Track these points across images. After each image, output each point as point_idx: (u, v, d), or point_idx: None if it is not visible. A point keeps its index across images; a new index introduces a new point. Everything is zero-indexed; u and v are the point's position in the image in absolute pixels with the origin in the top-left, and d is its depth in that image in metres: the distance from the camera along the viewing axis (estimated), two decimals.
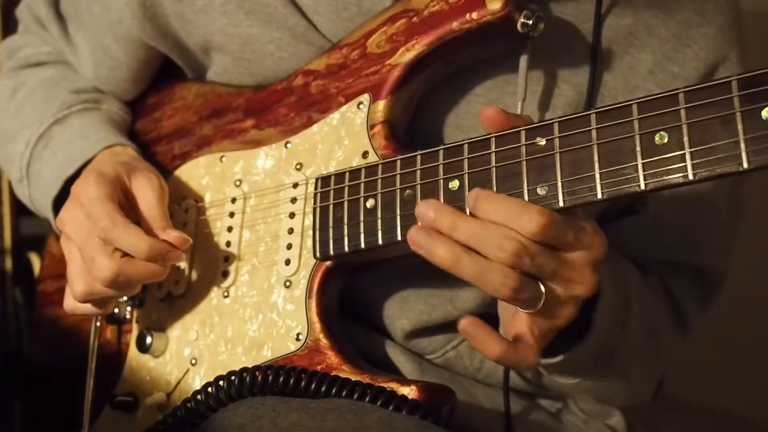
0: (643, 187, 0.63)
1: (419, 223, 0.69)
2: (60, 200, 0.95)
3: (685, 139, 0.62)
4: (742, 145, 0.59)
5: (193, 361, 0.88)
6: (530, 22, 0.76)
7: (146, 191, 0.87)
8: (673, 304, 0.94)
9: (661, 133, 0.63)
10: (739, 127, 0.59)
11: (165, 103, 1.02)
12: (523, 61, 0.78)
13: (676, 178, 0.62)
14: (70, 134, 0.97)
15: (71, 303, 0.88)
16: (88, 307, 0.87)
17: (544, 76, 0.82)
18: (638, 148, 0.64)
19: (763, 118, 0.58)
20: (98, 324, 0.93)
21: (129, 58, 0.97)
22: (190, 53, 0.95)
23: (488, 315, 0.73)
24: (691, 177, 0.61)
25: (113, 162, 0.90)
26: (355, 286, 0.85)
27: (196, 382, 0.87)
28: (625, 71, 0.82)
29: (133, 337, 0.94)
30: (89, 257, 0.83)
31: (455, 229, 0.67)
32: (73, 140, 0.96)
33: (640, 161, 0.63)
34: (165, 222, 0.85)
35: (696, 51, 0.83)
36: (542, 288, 0.68)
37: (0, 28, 1.31)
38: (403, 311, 0.86)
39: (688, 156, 0.62)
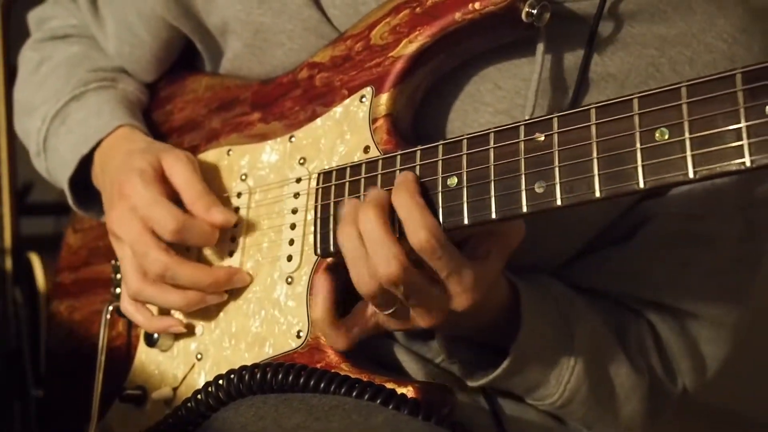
0: (642, 185, 0.61)
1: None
2: (76, 178, 0.98)
3: (687, 135, 0.59)
4: (745, 143, 0.56)
5: (199, 356, 0.88)
6: (535, 11, 0.74)
7: (178, 168, 0.87)
8: (662, 354, 0.89)
9: (662, 129, 0.60)
10: (743, 123, 0.56)
11: (177, 96, 1.02)
12: (539, 54, 0.77)
13: (676, 176, 0.59)
14: (86, 112, 0.99)
15: (126, 305, 0.90)
16: (139, 319, 0.89)
17: (554, 88, 0.80)
18: (638, 145, 0.61)
19: None
20: (108, 317, 0.94)
21: (152, 36, 0.97)
22: (210, 35, 0.95)
23: None
24: (691, 175, 0.59)
25: (134, 151, 0.91)
26: None
27: (202, 377, 0.87)
28: None
29: (142, 331, 0.94)
30: (142, 252, 0.84)
31: (363, 220, 0.70)
32: (89, 118, 0.98)
33: (639, 159, 0.61)
34: (208, 197, 0.86)
35: None
36: (397, 304, 0.72)
37: (0, 28, 1.32)
38: None
39: (689, 153, 0.59)
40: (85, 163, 0.98)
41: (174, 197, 0.87)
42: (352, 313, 0.77)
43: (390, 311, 0.73)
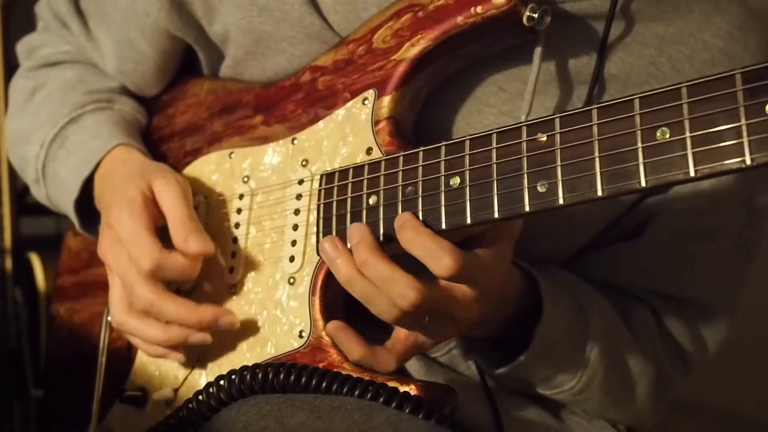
0: (643, 183, 0.62)
1: (347, 241, 0.74)
2: (80, 200, 0.97)
3: (687, 134, 0.60)
4: (745, 141, 0.57)
5: (200, 357, 0.88)
6: (536, 15, 0.75)
7: (167, 194, 0.86)
8: (666, 339, 0.92)
9: (663, 128, 0.61)
10: (743, 122, 0.57)
11: (179, 100, 1.03)
12: (537, 57, 0.77)
13: (677, 174, 0.60)
14: (84, 133, 0.98)
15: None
16: (137, 341, 0.89)
17: (555, 89, 0.81)
18: (639, 144, 0.62)
19: (767, 112, 0.56)
20: (108, 319, 0.94)
21: (155, 50, 0.98)
22: (212, 43, 0.95)
23: None
24: (692, 174, 0.59)
25: (128, 175, 0.90)
26: None
27: (203, 377, 0.88)
28: None
29: None
30: (129, 285, 0.85)
31: (364, 265, 0.71)
32: (87, 140, 0.97)
33: (641, 157, 0.62)
34: (188, 225, 0.84)
35: None
36: (426, 318, 0.71)
37: (0, 28, 1.32)
38: None
39: (689, 152, 0.60)
40: (87, 185, 0.97)
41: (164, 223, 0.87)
42: (392, 336, 0.77)
43: (422, 329, 0.73)
